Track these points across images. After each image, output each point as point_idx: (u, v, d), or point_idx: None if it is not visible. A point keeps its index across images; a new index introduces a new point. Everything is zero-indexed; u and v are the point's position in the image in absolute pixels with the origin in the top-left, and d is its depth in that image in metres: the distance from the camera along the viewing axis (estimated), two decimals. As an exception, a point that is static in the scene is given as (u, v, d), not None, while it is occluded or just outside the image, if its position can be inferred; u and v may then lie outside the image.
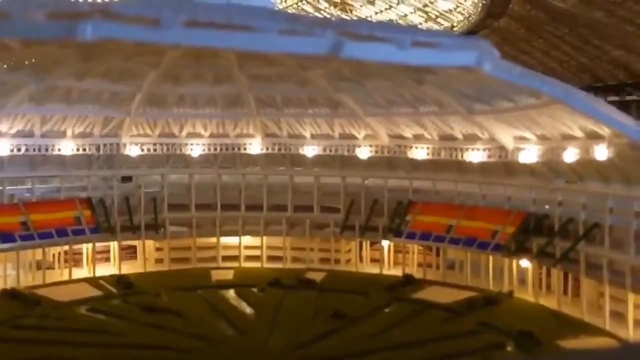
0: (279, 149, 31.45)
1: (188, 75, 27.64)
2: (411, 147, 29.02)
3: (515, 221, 27.39)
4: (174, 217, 31.85)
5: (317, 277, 30.08)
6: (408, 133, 29.03)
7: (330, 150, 30.74)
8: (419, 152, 28.75)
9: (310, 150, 30.88)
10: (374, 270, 31.27)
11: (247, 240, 32.48)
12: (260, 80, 27.88)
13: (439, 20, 59.23)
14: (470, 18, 52.37)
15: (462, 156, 27.33)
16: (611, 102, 56.97)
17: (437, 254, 30.31)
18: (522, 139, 25.45)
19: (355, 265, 31.88)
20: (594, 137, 22.29)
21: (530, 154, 24.92)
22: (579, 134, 22.84)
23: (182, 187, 32.65)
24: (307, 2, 63.34)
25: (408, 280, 29.02)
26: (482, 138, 26.74)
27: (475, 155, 26.97)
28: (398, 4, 58.27)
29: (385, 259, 31.40)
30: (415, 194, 31.01)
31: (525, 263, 27.05)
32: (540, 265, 26.57)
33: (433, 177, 30.43)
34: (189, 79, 27.34)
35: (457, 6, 54.19)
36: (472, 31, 53.62)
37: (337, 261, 32.14)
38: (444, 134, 28.02)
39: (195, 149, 31.00)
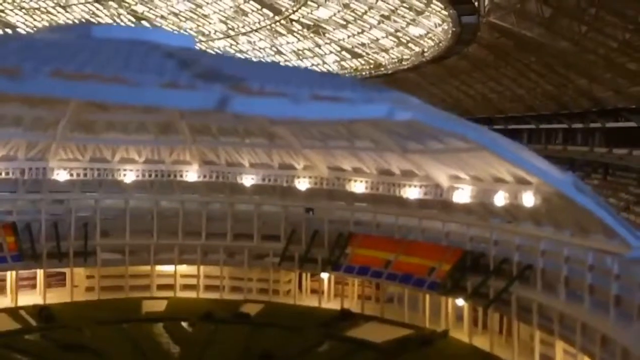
0: (217, 177, 29.99)
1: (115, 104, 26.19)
2: (350, 180, 27.70)
3: (452, 258, 26.39)
4: (106, 243, 30.39)
5: (254, 309, 28.74)
6: (347, 166, 27.77)
7: (269, 180, 29.41)
8: (358, 186, 27.60)
9: (249, 180, 29.48)
10: (313, 302, 30.10)
11: (184, 268, 30.87)
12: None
13: (409, 45, 58.57)
14: (441, 44, 51.76)
15: (399, 192, 26.16)
16: (575, 129, 56.99)
17: (377, 287, 29.11)
18: (456, 178, 24.39)
19: (294, 297, 30.46)
20: (523, 182, 21.34)
21: (464, 194, 24.10)
22: (508, 178, 21.78)
23: (116, 212, 31.09)
24: (281, 24, 62.47)
25: (345, 316, 27.75)
26: (418, 175, 25.52)
27: (412, 191, 26.19)
28: (370, 28, 57.50)
29: (325, 290, 30.05)
30: (356, 226, 29.82)
31: (461, 301, 25.60)
32: (475, 306, 25.11)
33: (374, 210, 29.14)
34: (116, 107, 25.85)
35: (428, 32, 53.55)
36: (443, 56, 53.05)
37: (275, 292, 30.81)
38: (382, 168, 26.77)
39: (129, 174, 29.54)
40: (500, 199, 22.52)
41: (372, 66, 63.65)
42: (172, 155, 30.29)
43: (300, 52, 66.84)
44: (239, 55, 71.24)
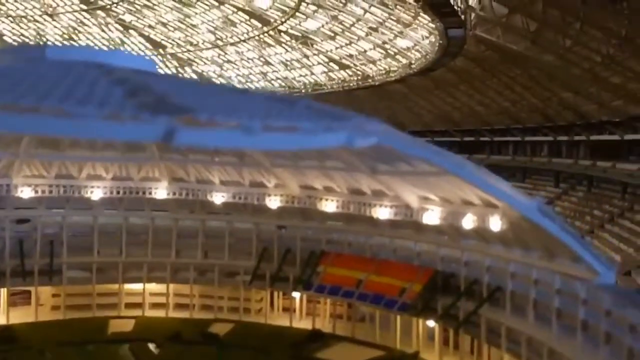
0: (187, 194, 29.23)
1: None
2: (321, 199, 27.07)
3: (423, 279, 25.80)
4: (73, 261, 29.49)
5: (223, 329, 27.95)
6: (318, 185, 27.11)
7: (240, 198, 28.71)
8: (329, 205, 27.00)
9: (219, 197, 28.76)
10: (284, 321, 29.29)
11: (154, 286, 30.08)
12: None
13: (397, 57, 58.17)
14: (428, 56, 51.43)
15: (370, 212, 25.55)
16: (560, 142, 56.59)
17: (349, 305, 28.47)
18: (426, 199, 23.76)
19: (266, 316, 29.65)
20: (490, 205, 20.71)
21: (433, 216, 23.48)
22: (476, 201, 21.13)
23: (84, 229, 30.25)
24: (270, 35, 61.97)
25: (315, 337, 26.96)
26: (389, 195, 24.90)
27: (383, 212, 25.54)
28: (358, 40, 57.10)
29: (297, 309, 29.30)
30: (328, 244, 29.04)
31: (432, 322, 24.93)
32: (445, 327, 24.44)
33: (346, 228, 28.50)
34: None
35: (415, 45, 53.21)
36: (430, 69, 52.77)
37: (247, 310, 30.03)
38: (353, 188, 26.11)
39: (96, 191, 28.75)
40: (468, 221, 22.02)
41: (359, 77, 63.17)
42: (140, 172, 29.53)
43: (288, 63, 66.30)
44: (226, 65, 70.79)
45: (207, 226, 30.79)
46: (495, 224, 20.65)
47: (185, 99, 14.75)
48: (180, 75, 73.32)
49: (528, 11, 38.08)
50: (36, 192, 28.06)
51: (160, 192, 29.28)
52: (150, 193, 29.38)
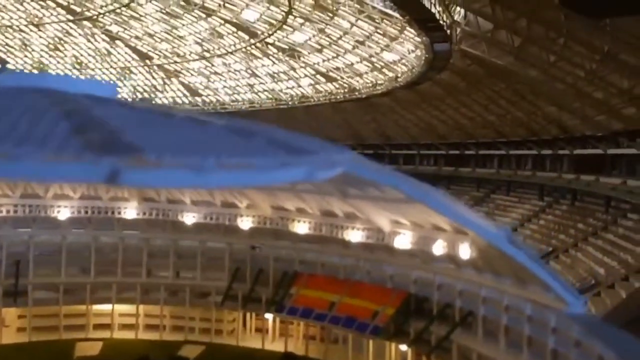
0: (158, 214, 28.26)
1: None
2: (293, 220, 26.26)
3: (396, 302, 25.06)
4: (40, 282, 28.40)
5: (193, 352, 27.09)
6: (290, 206, 26.28)
7: (212, 218, 27.79)
8: (301, 227, 26.19)
9: (190, 218, 27.84)
10: (256, 342, 28.42)
11: (123, 307, 29.03)
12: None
13: (383, 70, 57.75)
14: (414, 70, 51.04)
15: (342, 234, 24.74)
16: (544, 156, 56.13)
17: (322, 327, 27.50)
18: (397, 223, 22.95)
19: (237, 337, 28.67)
20: (461, 232, 19.90)
21: (405, 240, 22.73)
22: (447, 227, 20.36)
23: (51, 249, 29.17)
24: (257, 48, 61.36)
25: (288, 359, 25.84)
26: (360, 218, 24.08)
27: (355, 234, 24.76)
28: (345, 53, 56.61)
29: (270, 329, 28.35)
30: (301, 265, 28.11)
31: (404, 347, 24.08)
32: (418, 352, 23.60)
33: (319, 249, 27.63)
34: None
35: (402, 58, 52.83)
36: (416, 82, 52.46)
37: (218, 332, 29.11)
38: (325, 210, 25.31)
39: (64, 211, 27.74)
40: (439, 247, 21.37)
41: (346, 90, 62.60)
42: (109, 191, 28.59)
43: (275, 75, 65.67)
44: (213, 77, 70.09)
45: (179, 245, 29.81)
46: (465, 251, 19.97)
47: (136, 134, 13.78)
48: (156, 91, 72.30)
49: (513, 27, 37.95)
50: (0, 211, 27.07)
51: (130, 212, 28.34)
52: (119, 213, 28.41)
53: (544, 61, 39.22)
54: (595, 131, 47.37)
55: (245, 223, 27.67)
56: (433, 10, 36.52)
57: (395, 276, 26.05)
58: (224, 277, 28.98)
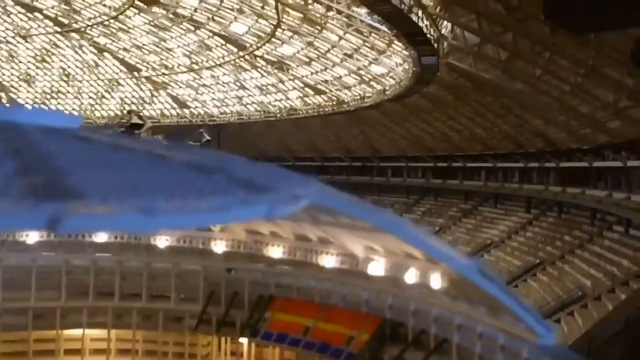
0: (130, 237, 26.99)
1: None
2: (268, 244, 25.16)
3: (371, 327, 24.19)
4: (9, 306, 26.94)
5: (166, 377, 25.45)
6: (264, 230, 25.17)
7: (185, 242, 26.58)
8: (276, 251, 25.10)
9: (163, 241, 26.63)
10: (232, 367, 26.80)
11: (95, 331, 27.63)
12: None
13: (371, 83, 57.30)
14: (402, 83, 50.63)
15: (316, 259, 23.70)
16: (531, 168, 55.61)
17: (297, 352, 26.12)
18: (371, 249, 21.95)
19: (212, 362, 27.27)
20: (433, 261, 18.97)
21: (379, 266, 21.80)
22: (419, 255, 19.46)
23: (20, 273, 27.63)
24: (245, 60, 60.59)
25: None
26: (334, 243, 23.06)
27: (329, 260, 23.88)
28: (333, 66, 56.09)
29: (245, 354, 27.15)
30: (277, 288, 26.93)
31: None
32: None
33: (294, 273, 26.45)
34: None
35: (389, 71, 52.36)
36: (404, 95, 52.09)
37: (192, 356, 28.00)
38: (299, 234, 24.26)
39: (32, 234, 26.29)
40: (411, 276, 20.57)
41: (334, 103, 61.91)
42: (79, 213, 27.21)
43: (264, 88, 64.87)
44: (202, 89, 69.15)
45: (152, 268, 28.43)
46: (437, 281, 19.16)
47: (83, 175, 12.38)
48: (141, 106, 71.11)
49: (499, 41, 37.81)
50: (-36, 235, 25.65)
51: (101, 235, 26.89)
52: (91, 236, 26.99)
53: (530, 75, 38.95)
54: (581, 144, 47.05)
55: (219, 247, 26.58)
56: (420, 24, 36.05)
57: (370, 300, 24.94)
58: (199, 301, 27.63)
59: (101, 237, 27.16)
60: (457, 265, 17.14)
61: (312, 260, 24.51)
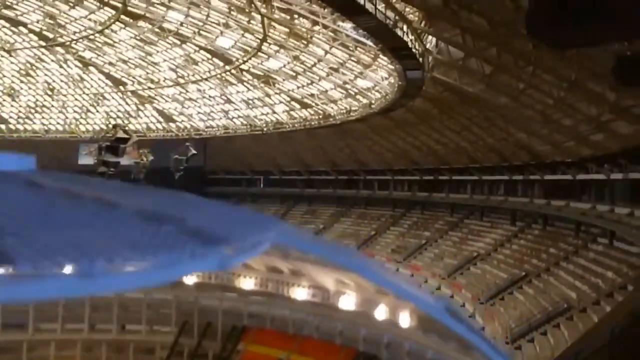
0: (99, 267, 26.19)
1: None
2: (239, 276, 24.94)
3: (345, 359, 23.25)
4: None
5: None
6: (235, 260, 24.80)
7: (155, 272, 25.86)
8: (247, 282, 24.89)
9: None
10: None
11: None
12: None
13: (357, 97, 57.64)
14: (387, 97, 50.94)
15: (287, 292, 23.56)
16: (516, 181, 56.08)
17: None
18: (342, 283, 21.90)
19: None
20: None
21: (350, 300, 21.68)
22: (388, 291, 19.49)
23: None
24: (231, 74, 60.67)
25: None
26: (306, 275, 23.00)
27: (300, 292, 23.53)
28: (319, 80, 56.35)
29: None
30: (250, 319, 26.39)
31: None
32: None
33: (267, 303, 26.05)
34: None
35: (375, 85, 52.72)
36: (389, 109, 52.46)
37: (164, 387, 26.82)
38: (271, 266, 24.11)
39: (-4, 267, 25.39)
40: (380, 313, 20.38)
41: (321, 116, 62.11)
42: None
43: (250, 102, 64.91)
44: (188, 103, 69.05)
45: (123, 298, 27.60)
46: (405, 319, 19.22)
47: (15, 236, 11.94)
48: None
49: (483, 55, 38.07)
50: None
51: (69, 266, 26.15)
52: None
53: (514, 89, 39.21)
54: (564, 157, 47.40)
55: (190, 278, 25.98)
56: (405, 38, 36.34)
57: (344, 332, 24.50)
58: (171, 331, 26.99)
59: (69, 269, 26.41)
60: (424, 305, 17.08)
61: (283, 292, 24.24)
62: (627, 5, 7.58)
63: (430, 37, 39.20)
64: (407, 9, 35.38)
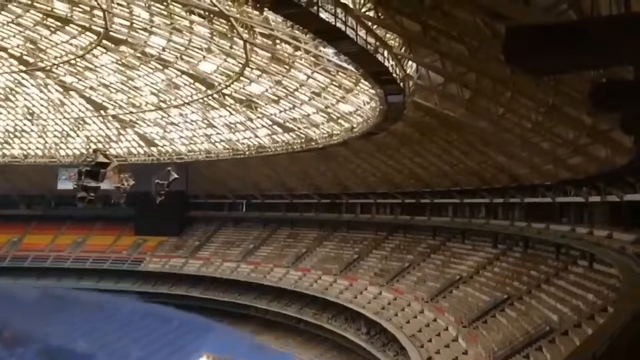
0: None
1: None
2: None
3: None
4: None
5: None
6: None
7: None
8: None
9: None
10: None
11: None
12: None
13: (339, 121, 57.97)
14: (369, 121, 51.28)
15: None
16: (497, 204, 56.52)
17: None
18: None
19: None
20: None
21: None
22: None
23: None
24: (214, 98, 60.74)
25: None
26: None
27: None
28: (302, 104, 56.63)
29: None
30: None
31: None
32: None
33: None
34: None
35: (357, 109, 53.05)
36: (371, 132, 52.81)
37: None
38: None
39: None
40: None
41: (303, 140, 62.17)
42: None
43: (232, 126, 64.79)
44: (170, 127, 68.76)
45: None
46: None
47: None
48: None
49: (462, 80, 38.43)
50: None
51: None
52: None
53: (493, 113, 39.54)
54: (543, 180, 47.79)
55: None
56: (386, 63, 36.62)
57: None
58: None
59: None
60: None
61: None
62: (602, 33, 7.77)
63: (410, 62, 39.69)
64: (388, 35, 35.83)
